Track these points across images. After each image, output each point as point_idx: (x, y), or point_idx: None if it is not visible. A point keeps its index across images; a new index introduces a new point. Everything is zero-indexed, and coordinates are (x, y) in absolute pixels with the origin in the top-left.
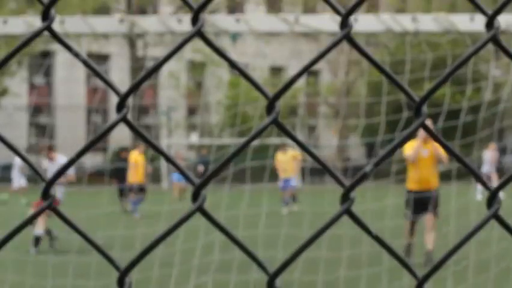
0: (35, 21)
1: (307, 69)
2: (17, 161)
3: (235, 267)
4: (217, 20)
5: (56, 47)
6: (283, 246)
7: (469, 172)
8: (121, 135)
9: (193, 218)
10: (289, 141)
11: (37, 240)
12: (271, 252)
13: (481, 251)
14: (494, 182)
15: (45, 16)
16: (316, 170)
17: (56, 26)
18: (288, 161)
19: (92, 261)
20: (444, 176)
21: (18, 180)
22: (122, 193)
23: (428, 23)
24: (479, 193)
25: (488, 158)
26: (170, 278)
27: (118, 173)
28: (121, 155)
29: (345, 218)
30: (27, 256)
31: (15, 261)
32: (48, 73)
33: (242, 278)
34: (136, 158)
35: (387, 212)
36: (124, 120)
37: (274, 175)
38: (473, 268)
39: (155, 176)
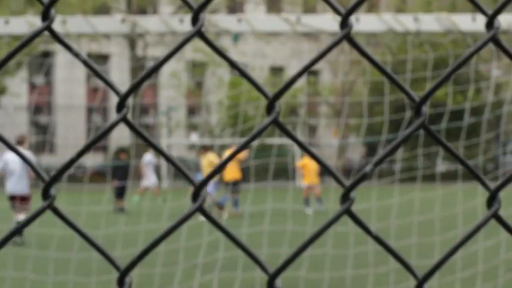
0: (37, 21)
1: (308, 69)
2: (148, 157)
3: (241, 265)
4: (219, 20)
5: (56, 47)
6: (288, 243)
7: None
8: (121, 135)
9: (196, 217)
10: (289, 141)
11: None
12: (275, 250)
13: (489, 258)
14: None
15: (45, 16)
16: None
17: (58, 26)
18: (205, 166)
19: (93, 257)
20: (449, 176)
21: (154, 178)
22: (119, 192)
23: (430, 23)
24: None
25: None
26: (174, 276)
27: (117, 173)
28: (119, 156)
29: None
30: (28, 252)
31: (16, 258)
32: (48, 73)
33: (247, 276)
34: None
35: (393, 211)
36: (124, 120)
37: (276, 174)
38: (481, 275)
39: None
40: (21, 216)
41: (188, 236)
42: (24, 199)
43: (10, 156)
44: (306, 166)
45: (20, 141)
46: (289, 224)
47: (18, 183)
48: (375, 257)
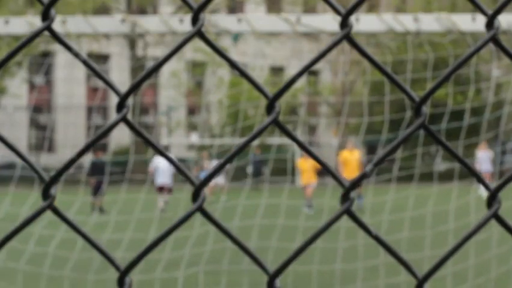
0: (37, 21)
1: (308, 69)
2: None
3: (227, 258)
4: (219, 20)
5: (56, 47)
6: (278, 237)
7: (470, 172)
8: (121, 135)
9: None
10: (289, 140)
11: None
12: (265, 243)
13: (481, 253)
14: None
15: (45, 16)
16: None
17: (57, 26)
18: None
19: (93, 256)
20: (447, 176)
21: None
22: (96, 191)
23: (430, 23)
24: (483, 190)
25: (483, 157)
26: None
27: (95, 172)
28: (96, 154)
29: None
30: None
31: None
32: (48, 73)
33: (233, 269)
34: (346, 156)
35: (387, 207)
36: (124, 120)
37: (274, 173)
38: (473, 269)
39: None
40: (161, 202)
41: (179, 230)
42: (169, 189)
43: (159, 159)
44: (301, 166)
45: (166, 148)
46: (281, 219)
47: (164, 178)
48: (364, 250)
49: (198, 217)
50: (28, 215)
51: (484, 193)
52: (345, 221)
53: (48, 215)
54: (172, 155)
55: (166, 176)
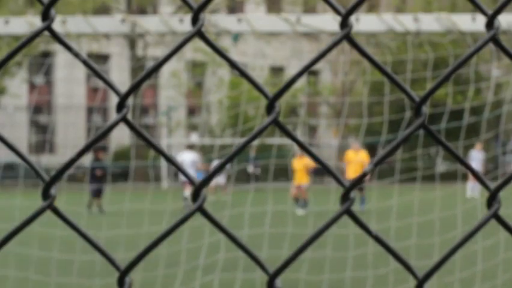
0: (37, 21)
1: (308, 69)
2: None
3: (241, 266)
4: (219, 20)
5: (56, 47)
6: (289, 245)
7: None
8: (121, 135)
9: (197, 217)
10: (289, 141)
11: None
12: (276, 251)
13: (488, 258)
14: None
15: (45, 16)
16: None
17: (57, 26)
18: None
19: (96, 260)
20: (448, 176)
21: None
22: (96, 193)
23: (430, 23)
24: (469, 190)
25: (475, 157)
26: (176, 277)
27: (95, 173)
28: (98, 155)
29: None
30: (31, 252)
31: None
32: (48, 73)
33: (248, 277)
34: (351, 156)
35: (392, 212)
36: (124, 120)
37: (276, 175)
38: (480, 275)
39: (155, 176)
40: (188, 192)
41: (189, 237)
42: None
43: (183, 156)
44: (295, 166)
45: (190, 147)
46: (290, 225)
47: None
48: (374, 258)
49: (207, 227)
50: (28, 216)
51: (470, 193)
52: (354, 228)
53: (50, 219)
54: (183, 157)
55: (190, 172)
